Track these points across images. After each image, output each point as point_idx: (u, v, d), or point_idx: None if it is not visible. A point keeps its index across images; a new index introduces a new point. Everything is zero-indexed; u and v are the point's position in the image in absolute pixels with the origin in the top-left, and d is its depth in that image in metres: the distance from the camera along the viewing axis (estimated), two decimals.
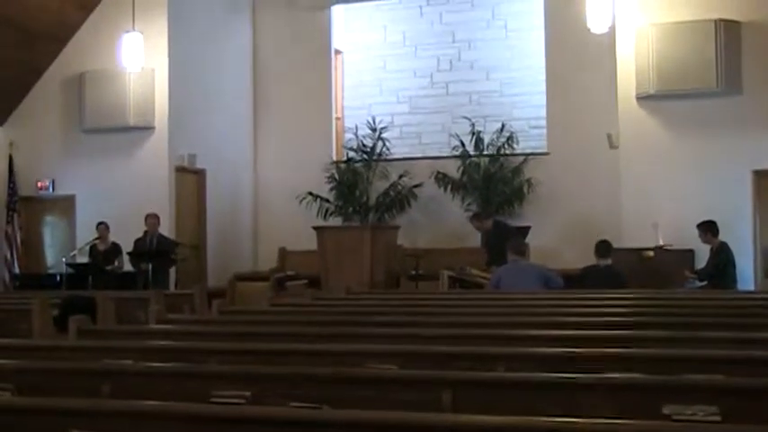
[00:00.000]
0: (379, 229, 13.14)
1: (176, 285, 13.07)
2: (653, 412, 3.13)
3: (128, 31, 12.37)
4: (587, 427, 2.71)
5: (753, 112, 11.87)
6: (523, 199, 14.22)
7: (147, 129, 13.63)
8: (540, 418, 2.81)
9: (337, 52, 15.92)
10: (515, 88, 15.21)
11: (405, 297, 9.25)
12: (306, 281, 12.51)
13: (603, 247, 10.46)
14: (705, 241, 11.11)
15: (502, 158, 14.34)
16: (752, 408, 3.24)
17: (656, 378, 3.62)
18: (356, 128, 15.02)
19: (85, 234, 13.25)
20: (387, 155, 14.80)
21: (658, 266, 11.18)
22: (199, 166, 14.27)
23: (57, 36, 13.86)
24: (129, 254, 12.44)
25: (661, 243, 11.50)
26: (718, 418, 3.07)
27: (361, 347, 4.80)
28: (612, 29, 12.13)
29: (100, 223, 12.73)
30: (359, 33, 16.10)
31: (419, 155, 15.35)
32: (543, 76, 14.55)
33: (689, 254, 11.55)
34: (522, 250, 10.26)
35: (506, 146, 14.34)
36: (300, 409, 3.22)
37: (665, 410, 3.13)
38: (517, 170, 14.30)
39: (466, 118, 14.68)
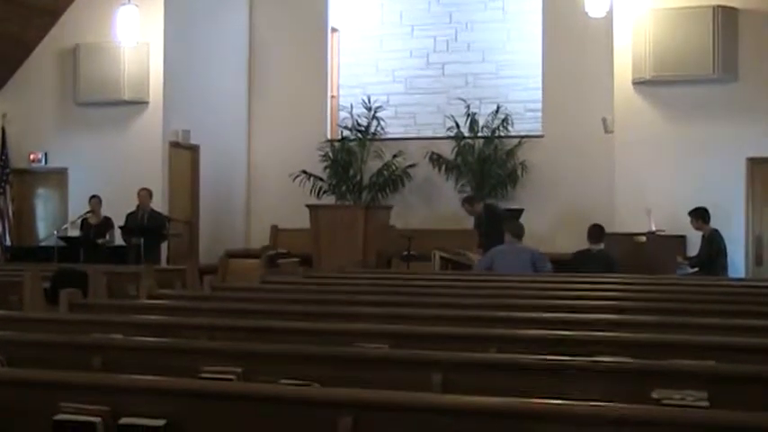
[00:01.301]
0: (372, 209, 13.15)
1: (168, 261, 13.07)
2: (642, 396, 3.14)
3: (123, 4, 12.32)
4: (576, 410, 2.71)
5: (748, 99, 11.87)
6: (517, 181, 14.23)
7: (142, 103, 13.59)
8: (529, 400, 2.82)
9: (333, 30, 15.86)
10: (511, 70, 15.18)
11: (396, 277, 9.26)
12: (298, 259, 12.53)
13: (596, 232, 10.48)
14: (697, 228, 11.13)
15: (496, 140, 14.34)
16: (741, 394, 3.25)
17: (645, 363, 3.63)
18: (351, 107, 14.98)
19: (78, 207, 13.23)
20: (381, 134, 14.76)
21: (650, 252, 11.19)
22: (193, 141, 14.23)
23: (51, 8, 13.77)
24: (120, 228, 12.42)
25: (654, 229, 11.51)
26: (706, 404, 3.08)
27: (352, 326, 4.81)
28: (610, 13, 12.13)
29: (92, 197, 12.71)
30: (355, 12, 16.03)
31: (414, 135, 15.34)
32: (540, 59, 14.52)
33: (681, 240, 11.57)
34: (520, 234, 10.25)
35: (501, 128, 14.34)
36: (290, 386, 3.22)
37: (654, 395, 3.14)
38: (511, 153, 14.30)
39: (461, 99, 14.67)
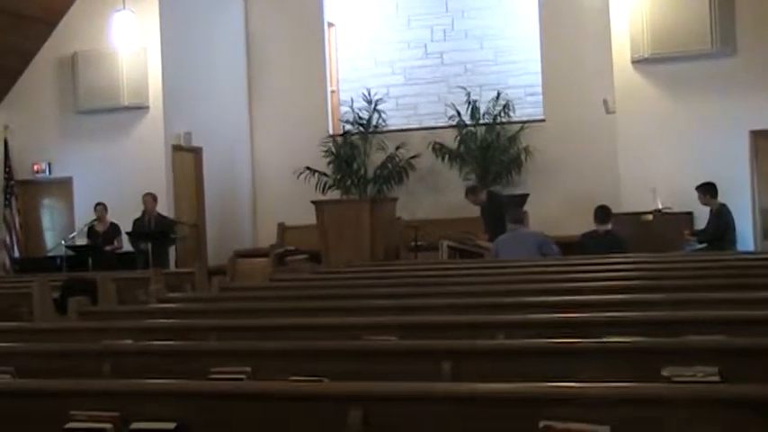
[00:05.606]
0: (377, 202, 13.12)
1: (176, 264, 13.08)
2: (652, 375, 3.13)
3: (118, 10, 12.31)
4: (588, 392, 2.70)
5: (748, 73, 11.82)
6: (521, 167, 14.20)
7: (142, 108, 13.59)
8: (540, 384, 2.81)
9: (330, 25, 15.83)
10: (510, 56, 15.14)
11: (404, 268, 9.25)
12: (306, 255, 12.51)
13: (602, 213, 10.44)
14: (704, 203, 11.10)
15: (498, 127, 14.30)
16: (752, 367, 3.23)
17: (655, 341, 3.61)
18: (352, 101, 14.97)
19: (84, 216, 13.26)
20: (383, 127, 14.74)
21: (658, 230, 11.17)
22: (195, 144, 14.22)
23: (47, 17, 13.77)
24: (128, 234, 12.44)
25: (660, 207, 11.49)
26: (717, 379, 3.07)
27: (361, 320, 4.81)
28: None
29: (98, 204, 12.73)
30: (351, 6, 16.00)
31: (415, 126, 15.32)
32: (538, 43, 14.48)
33: (688, 216, 11.54)
34: (520, 218, 10.25)
35: (503, 114, 14.29)
36: (301, 382, 3.22)
37: (665, 372, 3.13)
38: (514, 138, 14.26)
39: (461, 87, 14.64)
